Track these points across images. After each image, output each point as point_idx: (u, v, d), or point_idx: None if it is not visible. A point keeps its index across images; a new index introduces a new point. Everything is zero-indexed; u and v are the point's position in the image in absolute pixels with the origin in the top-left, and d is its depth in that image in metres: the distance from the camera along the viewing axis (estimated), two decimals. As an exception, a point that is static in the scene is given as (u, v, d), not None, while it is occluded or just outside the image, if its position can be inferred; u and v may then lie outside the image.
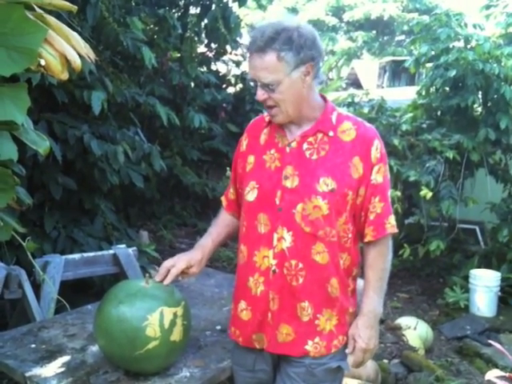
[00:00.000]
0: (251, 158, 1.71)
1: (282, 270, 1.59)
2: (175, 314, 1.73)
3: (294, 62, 1.52)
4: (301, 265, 1.58)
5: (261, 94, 1.58)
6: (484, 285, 4.57)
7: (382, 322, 4.16)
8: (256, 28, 1.57)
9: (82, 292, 3.63)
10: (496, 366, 3.63)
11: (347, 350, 1.66)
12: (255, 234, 1.65)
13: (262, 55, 1.51)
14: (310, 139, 1.61)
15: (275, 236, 1.60)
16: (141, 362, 1.72)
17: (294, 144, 1.62)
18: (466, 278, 4.80)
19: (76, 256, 3.31)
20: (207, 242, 1.85)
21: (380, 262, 1.67)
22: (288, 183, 1.59)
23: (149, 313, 1.69)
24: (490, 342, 3.42)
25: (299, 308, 1.61)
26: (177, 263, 1.77)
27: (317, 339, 1.62)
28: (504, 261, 4.98)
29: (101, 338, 1.78)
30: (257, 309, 1.65)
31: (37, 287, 2.98)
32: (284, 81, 1.53)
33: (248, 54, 1.58)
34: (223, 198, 1.95)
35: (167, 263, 1.78)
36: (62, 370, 1.81)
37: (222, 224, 1.91)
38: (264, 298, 1.63)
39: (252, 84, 1.68)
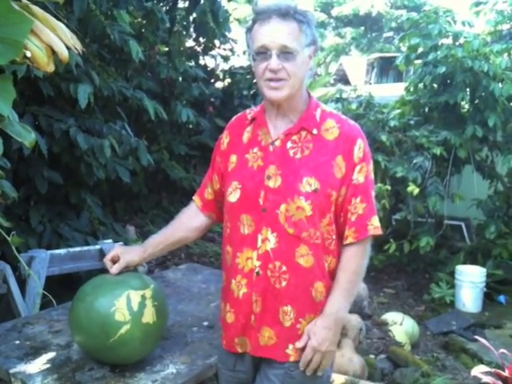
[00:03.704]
0: (233, 158, 1.65)
1: (266, 271, 1.54)
2: (143, 296, 1.73)
3: (309, 37, 1.50)
4: (284, 267, 1.53)
5: (277, 63, 1.47)
6: (470, 280, 4.61)
7: (368, 317, 4.17)
8: (264, 3, 1.51)
9: (68, 287, 3.60)
10: (481, 361, 3.67)
11: (297, 344, 1.56)
12: (238, 235, 1.60)
13: (285, 21, 1.46)
14: (294, 137, 1.56)
15: (259, 237, 1.55)
16: (117, 349, 1.70)
17: (277, 143, 1.56)
18: (452, 273, 4.84)
19: (62, 251, 3.29)
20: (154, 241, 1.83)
21: (353, 264, 1.58)
22: (271, 183, 1.54)
23: (115, 298, 1.69)
24: (476, 337, 3.46)
25: (281, 312, 1.56)
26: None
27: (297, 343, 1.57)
28: (489, 257, 5.04)
29: (76, 334, 1.78)
30: (239, 311, 1.61)
31: (22, 282, 2.95)
32: (300, 54, 1.48)
33: (259, 21, 1.49)
34: (197, 198, 1.84)
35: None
36: (47, 366, 1.79)
37: (182, 227, 1.83)
38: (246, 300, 1.58)
39: (252, 62, 1.55)
